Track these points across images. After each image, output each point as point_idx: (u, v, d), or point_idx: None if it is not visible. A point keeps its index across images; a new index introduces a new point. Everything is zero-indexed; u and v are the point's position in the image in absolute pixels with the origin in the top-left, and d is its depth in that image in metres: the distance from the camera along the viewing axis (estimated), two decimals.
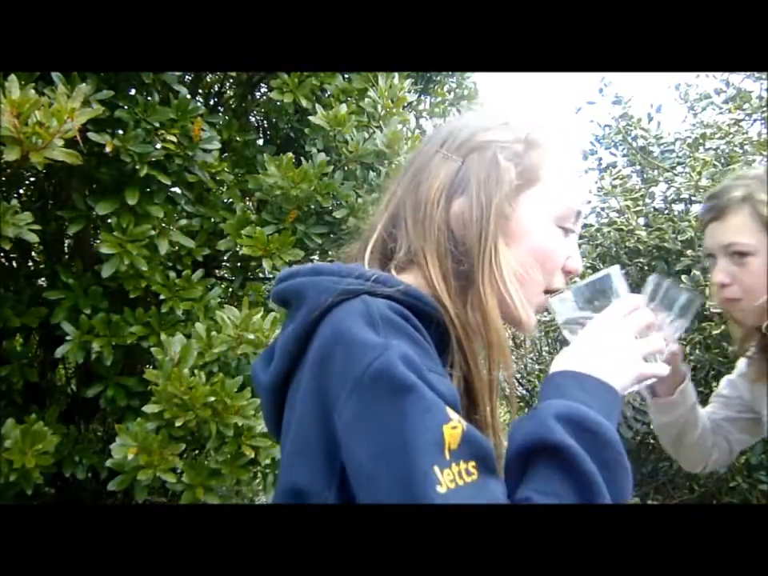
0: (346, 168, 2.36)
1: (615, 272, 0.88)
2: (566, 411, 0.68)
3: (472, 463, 0.64)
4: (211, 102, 2.71)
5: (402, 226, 0.86)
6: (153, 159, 2.03)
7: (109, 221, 2.05)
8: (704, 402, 2.74)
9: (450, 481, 0.62)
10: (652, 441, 2.98)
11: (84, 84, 1.72)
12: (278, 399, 0.81)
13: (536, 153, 0.85)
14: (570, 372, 0.75)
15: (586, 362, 0.75)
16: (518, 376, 5.17)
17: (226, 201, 2.41)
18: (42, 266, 2.55)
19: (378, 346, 0.66)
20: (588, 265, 3.90)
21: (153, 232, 2.06)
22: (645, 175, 3.68)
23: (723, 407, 1.50)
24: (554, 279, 0.87)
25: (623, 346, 0.78)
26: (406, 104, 2.48)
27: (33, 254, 2.56)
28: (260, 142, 2.73)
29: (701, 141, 3.47)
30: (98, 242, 2.06)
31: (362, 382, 0.65)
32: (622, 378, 0.76)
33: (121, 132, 2.01)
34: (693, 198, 3.36)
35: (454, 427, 0.64)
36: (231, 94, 2.81)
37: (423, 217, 0.84)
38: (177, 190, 2.26)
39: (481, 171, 0.83)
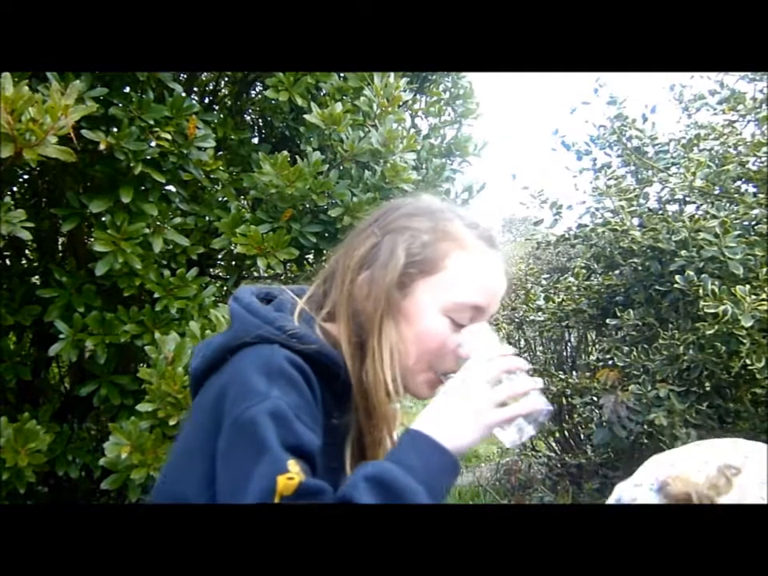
0: (341, 167, 2.36)
1: (478, 330, 0.93)
2: (377, 473, 0.78)
3: None
4: (206, 100, 2.70)
5: (333, 284, 0.98)
6: (147, 157, 2.02)
7: (103, 219, 2.04)
8: (698, 401, 2.76)
9: None
10: (645, 440, 2.99)
11: (78, 81, 1.71)
12: (195, 387, 0.94)
13: (443, 245, 0.94)
14: (413, 432, 0.84)
15: (430, 423, 0.84)
16: None
17: (220, 199, 2.40)
18: (35, 264, 2.54)
19: (258, 395, 0.80)
20: (583, 265, 3.92)
21: (147, 230, 2.06)
22: (639, 176, 3.69)
23: None
24: (443, 361, 0.93)
25: (468, 403, 0.85)
26: (401, 103, 2.47)
27: (26, 251, 2.55)
28: (255, 140, 2.73)
29: (695, 141, 3.49)
30: (92, 239, 2.05)
31: (236, 422, 0.79)
32: (463, 436, 0.84)
33: (115, 129, 2.01)
34: (687, 199, 3.38)
35: (290, 478, 0.75)
36: (226, 92, 2.80)
37: (342, 282, 0.96)
38: (171, 188, 2.25)
39: (385, 253, 0.94)
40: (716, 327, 2.51)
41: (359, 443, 0.95)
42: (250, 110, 2.80)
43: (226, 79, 2.74)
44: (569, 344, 4.87)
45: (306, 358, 0.87)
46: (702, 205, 3.30)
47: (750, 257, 2.75)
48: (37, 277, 2.46)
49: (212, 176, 2.30)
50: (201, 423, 0.87)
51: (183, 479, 0.88)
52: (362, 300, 0.94)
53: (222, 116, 2.48)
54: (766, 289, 2.58)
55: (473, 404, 0.85)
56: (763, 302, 2.49)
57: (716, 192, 3.18)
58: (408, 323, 0.93)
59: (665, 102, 4.02)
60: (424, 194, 1.06)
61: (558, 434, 4.74)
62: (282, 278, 2.72)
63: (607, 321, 3.41)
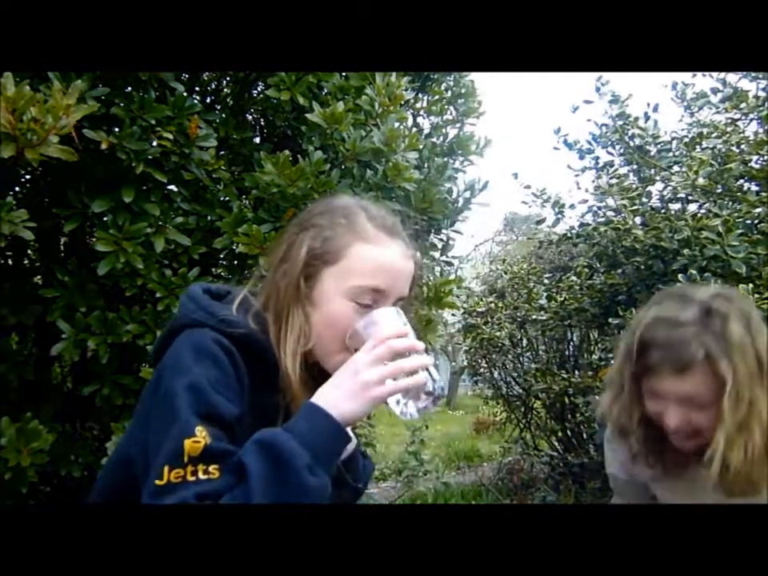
0: (343, 166, 2.35)
1: (380, 313, 1.02)
2: (264, 437, 0.90)
3: (214, 466, 0.88)
4: (208, 100, 2.70)
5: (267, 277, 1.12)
6: (149, 157, 2.02)
7: (104, 218, 2.04)
8: None
9: (177, 477, 0.86)
10: None
11: (79, 81, 1.71)
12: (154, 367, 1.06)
13: (344, 238, 1.05)
14: (307, 402, 0.95)
15: (322, 395, 0.95)
16: (515, 375, 5.18)
17: (222, 199, 2.39)
18: (37, 264, 2.54)
19: (182, 370, 0.94)
20: (585, 264, 3.91)
21: (149, 230, 2.05)
22: (641, 174, 3.69)
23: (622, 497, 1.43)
24: (355, 342, 1.02)
25: (356, 378, 0.94)
26: (403, 102, 2.47)
27: (28, 251, 2.55)
28: (257, 139, 2.72)
29: (697, 140, 3.48)
30: (94, 239, 2.05)
31: (163, 393, 0.94)
32: (350, 406, 0.94)
33: (117, 129, 2.00)
34: (690, 198, 3.37)
35: (197, 441, 0.88)
36: (228, 91, 2.80)
37: (269, 276, 1.11)
38: (173, 187, 2.24)
39: (295, 249, 1.07)
40: None
41: (287, 416, 1.03)
42: (252, 110, 2.80)
43: (228, 79, 2.74)
44: (571, 343, 4.87)
45: (234, 340, 0.99)
46: (704, 203, 3.30)
47: (752, 255, 2.74)
48: (39, 277, 2.46)
49: (214, 175, 2.30)
50: (146, 395, 1.03)
51: (131, 441, 1.04)
52: (280, 291, 1.06)
53: (223, 115, 2.48)
54: None
55: (360, 379, 0.94)
56: (766, 301, 2.48)
57: (719, 190, 3.18)
58: (316, 310, 1.05)
59: (667, 101, 4.02)
60: (342, 195, 1.19)
61: (560, 434, 4.74)
62: None
63: (610, 320, 3.41)
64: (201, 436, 0.88)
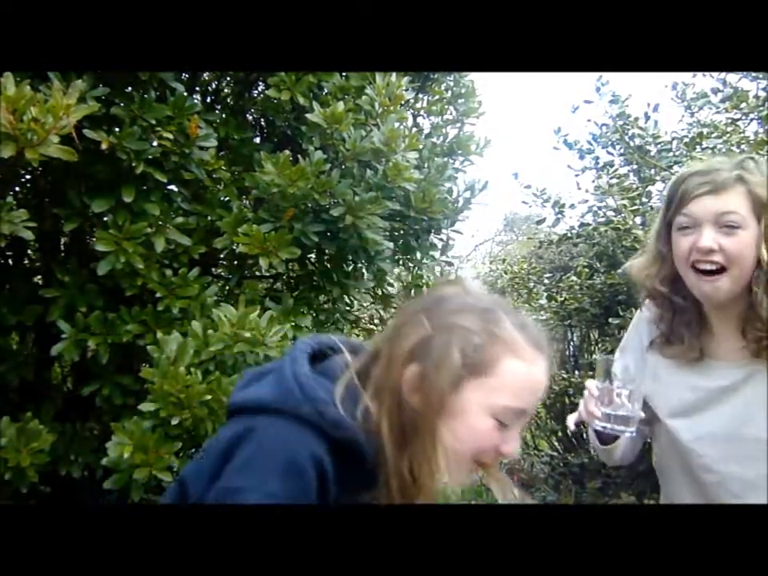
0: (343, 166, 2.35)
1: None
2: None
3: None
4: (208, 100, 2.70)
5: (377, 365, 0.98)
6: (149, 157, 2.02)
7: (105, 218, 2.04)
8: None
9: None
10: (648, 440, 2.98)
11: (80, 81, 1.71)
12: (229, 413, 0.97)
13: (495, 348, 0.94)
14: None
15: None
16: None
17: (222, 199, 2.40)
18: (37, 264, 2.54)
19: (257, 481, 0.84)
20: (585, 264, 3.91)
21: (149, 230, 2.05)
22: (642, 174, 3.68)
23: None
24: (484, 455, 0.97)
25: None
26: (403, 102, 2.47)
27: (28, 251, 2.55)
28: (257, 139, 2.72)
29: (698, 140, 3.48)
30: (94, 239, 2.05)
31: (224, 492, 0.84)
32: None
33: (117, 129, 2.00)
34: None
35: None
36: (228, 91, 2.80)
37: (388, 367, 0.96)
38: (173, 187, 2.25)
39: (438, 351, 0.93)
40: None
41: None
42: (252, 110, 2.80)
43: (228, 79, 2.74)
44: (571, 343, 4.87)
45: (336, 445, 0.89)
46: None
47: None
48: (39, 277, 2.46)
49: (214, 175, 2.30)
50: (214, 447, 0.92)
51: (190, 479, 0.94)
52: (409, 392, 0.94)
53: (223, 115, 2.48)
54: None
55: None
56: None
57: None
58: (456, 418, 0.94)
59: (667, 101, 4.01)
60: (467, 283, 1.05)
61: (560, 434, 4.74)
62: (284, 277, 2.72)
63: (610, 320, 3.41)
64: None
